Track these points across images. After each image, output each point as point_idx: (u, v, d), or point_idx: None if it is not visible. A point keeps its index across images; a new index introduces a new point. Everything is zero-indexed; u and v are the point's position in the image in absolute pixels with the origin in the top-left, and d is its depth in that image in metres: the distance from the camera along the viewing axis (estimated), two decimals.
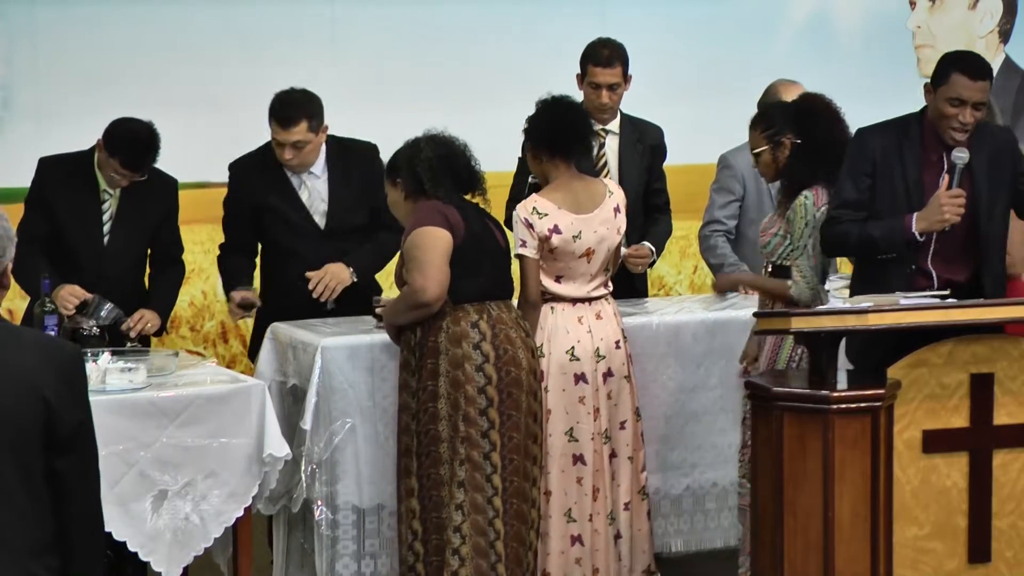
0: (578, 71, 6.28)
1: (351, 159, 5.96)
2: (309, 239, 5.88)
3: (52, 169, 5.77)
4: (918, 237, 5.05)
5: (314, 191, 5.91)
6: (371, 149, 6.02)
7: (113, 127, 5.61)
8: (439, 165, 5.20)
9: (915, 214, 5.04)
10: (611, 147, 6.31)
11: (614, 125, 6.32)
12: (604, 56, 6.21)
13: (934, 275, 5.13)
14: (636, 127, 6.40)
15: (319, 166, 5.90)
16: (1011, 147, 5.29)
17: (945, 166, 5.10)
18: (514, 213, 5.38)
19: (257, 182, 5.90)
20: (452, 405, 5.07)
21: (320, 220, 5.90)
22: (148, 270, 5.91)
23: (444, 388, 5.07)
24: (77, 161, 5.74)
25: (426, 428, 5.09)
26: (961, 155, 5.03)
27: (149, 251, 5.86)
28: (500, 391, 5.10)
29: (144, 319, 5.61)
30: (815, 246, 5.29)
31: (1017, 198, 5.27)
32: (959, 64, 5.09)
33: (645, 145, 6.39)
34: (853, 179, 5.17)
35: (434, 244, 5.08)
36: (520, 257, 5.36)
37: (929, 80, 5.17)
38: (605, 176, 6.19)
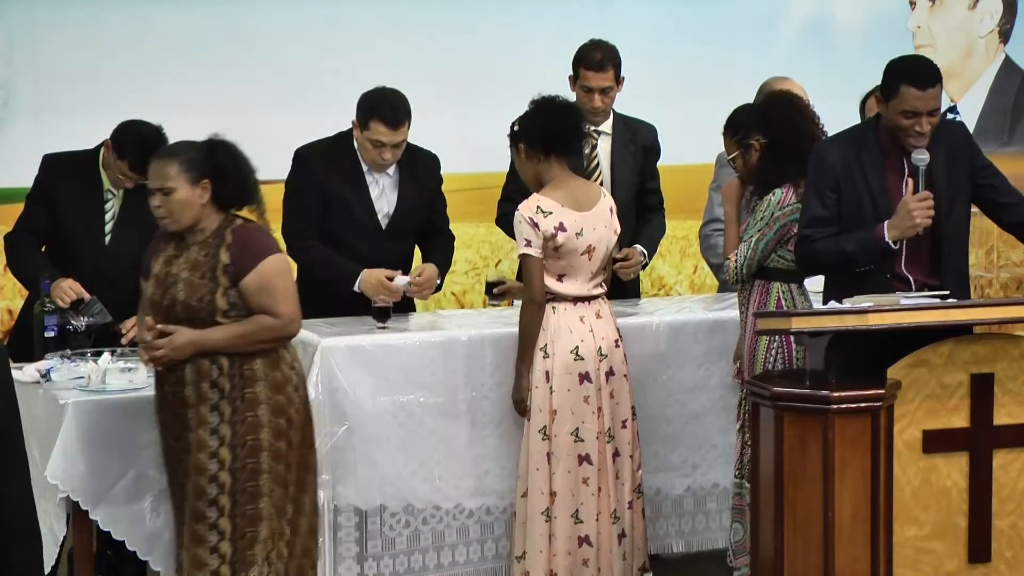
0: (570, 73, 6.27)
1: (418, 164, 5.97)
2: (368, 236, 5.87)
3: (56, 166, 5.77)
4: (892, 245, 5.05)
5: (385, 189, 5.90)
6: (435, 158, 6.04)
7: (122, 129, 5.61)
8: (252, 175, 4.85)
9: (885, 223, 5.04)
10: (603, 148, 6.29)
11: (606, 126, 6.31)
12: (596, 60, 6.19)
13: (911, 280, 5.13)
14: (629, 127, 6.39)
15: (392, 166, 5.91)
16: (967, 142, 5.28)
17: (906, 169, 5.09)
18: (516, 213, 5.35)
19: (330, 171, 5.85)
20: (275, 433, 4.72)
21: (383, 219, 5.91)
22: None
23: (266, 416, 4.71)
24: (81, 159, 5.74)
25: (243, 463, 4.68)
26: (922, 157, 5.03)
27: None
28: (307, 410, 4.90)
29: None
30: (760, 241, 5.30)
31: (977, 193, 5.25)
32: (907, 76, 5.05)
33: (638, 145, 6.37)
34: (819, 195, 5.16)
35: (290, 272, 4.86)
36: (524, 257, 5.33)
37: (879, 90, 5.16)
38: (597, 178, 6.19)
